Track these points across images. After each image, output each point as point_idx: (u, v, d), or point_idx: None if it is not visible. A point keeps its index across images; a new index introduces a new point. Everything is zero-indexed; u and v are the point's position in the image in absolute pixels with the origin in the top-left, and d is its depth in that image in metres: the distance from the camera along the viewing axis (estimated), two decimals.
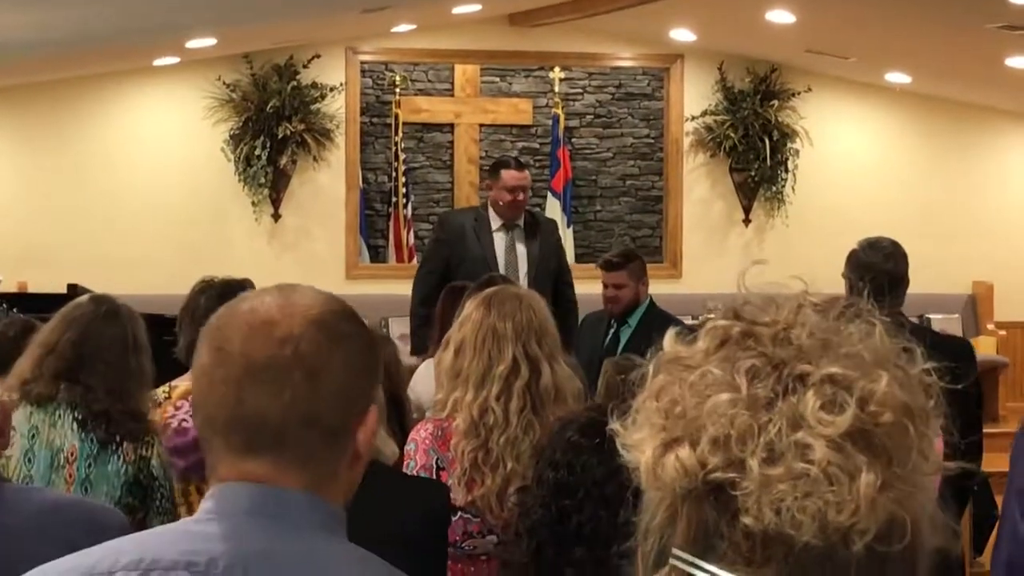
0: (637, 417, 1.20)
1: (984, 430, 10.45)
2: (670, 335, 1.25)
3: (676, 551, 1.15)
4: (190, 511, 4.55)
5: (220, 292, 4.88)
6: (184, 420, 4.62)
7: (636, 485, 1.22)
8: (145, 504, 4.15)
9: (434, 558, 3.43)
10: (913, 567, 1.17)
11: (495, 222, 8.41)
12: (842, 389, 1.15)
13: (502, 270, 8.15)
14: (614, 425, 1.22)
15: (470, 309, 4.08)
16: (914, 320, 11.96)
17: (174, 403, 4.65)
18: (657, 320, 7.31)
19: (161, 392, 4.66)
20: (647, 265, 7.82)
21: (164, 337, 5.03)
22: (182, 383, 4.70)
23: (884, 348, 1.21)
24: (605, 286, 7.47)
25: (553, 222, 9.07)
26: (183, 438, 4.57)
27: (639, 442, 1.19)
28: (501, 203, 8.38)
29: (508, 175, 8.39)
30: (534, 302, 4.12)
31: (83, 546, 3.06)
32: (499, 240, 8.40)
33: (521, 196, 8.34)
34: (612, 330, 7.48)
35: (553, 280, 8.17)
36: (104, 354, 4.16)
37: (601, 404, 3.80)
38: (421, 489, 3.69)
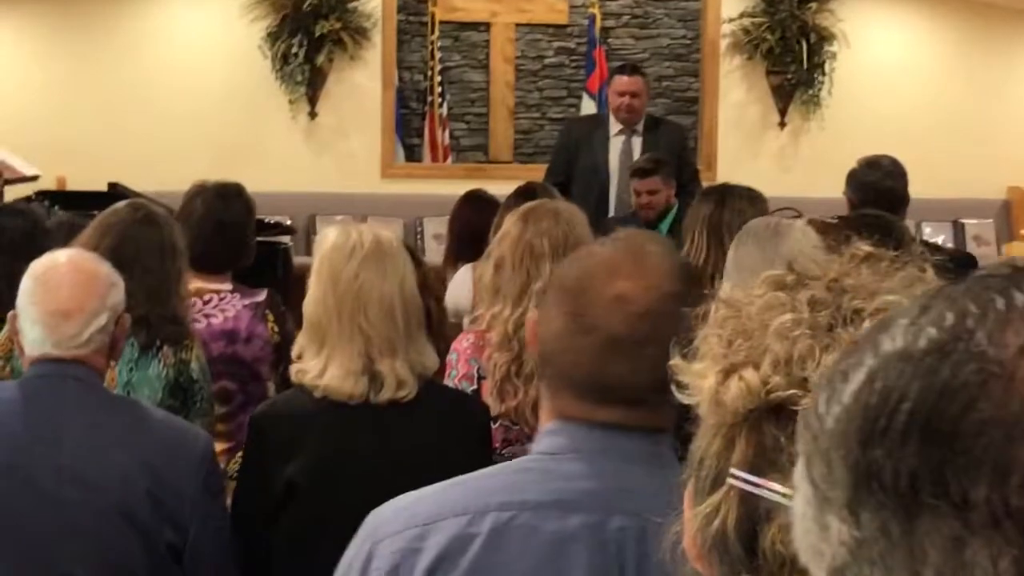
0: (700, 350, 1.27)
1: None
2: (726, 287, 1.32)
3: (734, 471, 1.22)
4: None
5: (215, 194, 4.94)
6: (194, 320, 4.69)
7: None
8: (186, 406, 4.23)
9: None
10: None
11: (614, 127, 8.58)
12: None
13: (614, 176, 8.39)
14: (675, 360, 1.29)
15: (508, 225, 4.10)
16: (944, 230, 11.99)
17: None
18: None
19: None
20: None
21: None
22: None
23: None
24: (638, 193, 7.52)
25: (678, 126, 9.22)
26: None
27: (701, 371, 1.26)
28: (614, 107, 8.62)
29: (618, 80, 8.70)
30: (573, 217, 4.15)
31: (159, 467, 3.16)
32: (615, 145, 8.58)
33: (628, 100, 8.52)
34: None
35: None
36: (143, 259, 4.20)
37: None
38: (467, 403, 3.78)
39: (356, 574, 1.93)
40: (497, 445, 3.92)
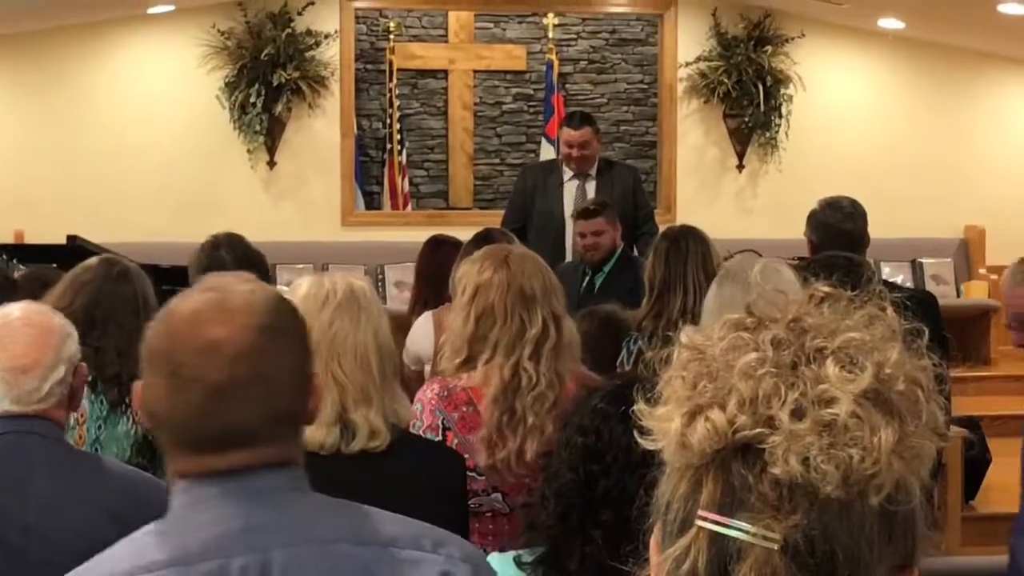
0: (664, 393, 1.27)
1: (975, 374, 10.58)
2: (687, 331, 1.32)
3: (702, 512, 1.22)
4: None
5: (234, 242, 4.91)
6: None
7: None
8: (154, 463, 4.20)
9: (456, 520, 3.49)
10: (913, 529, 1.26)
11: (567, 173, 8.63)
12: (859, 355, 1.24)
13: (569, 221, 8.53)
14: (639, 405, 1.29)
15: (487, 273, 3.99)
16: (905, 264, 12.07)
17: None
18: (628, 263, 7.42)
19: None
20: None
21: (163, 287, 5.06)
22: None
23: (894, 327, 1.30)
24: (583, 235, 7.56)
25: (631, 169, 9.19)
26: None
27: (666, 414, 1.26)
28: (563, 156, 8.68)
29: (566, 132, 8.70)
30: (540, 259, 4.15)
31: (125, 518, 3.16)
32: (569, 190, 8.60)
33: (577, 152, 8.53)
34: (587, 277, 7.56)
35: (627, 226, 8.11)
36: (116, 316, 4.19)
37: (623, 374, 3.81)
38: (438, 454, 3.73)
39: None
40: None
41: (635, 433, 1.31)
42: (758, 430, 1.20)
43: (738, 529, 1.19)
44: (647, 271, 5.69)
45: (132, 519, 3.19)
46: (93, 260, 4.44)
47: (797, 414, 1.20)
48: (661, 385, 1.29)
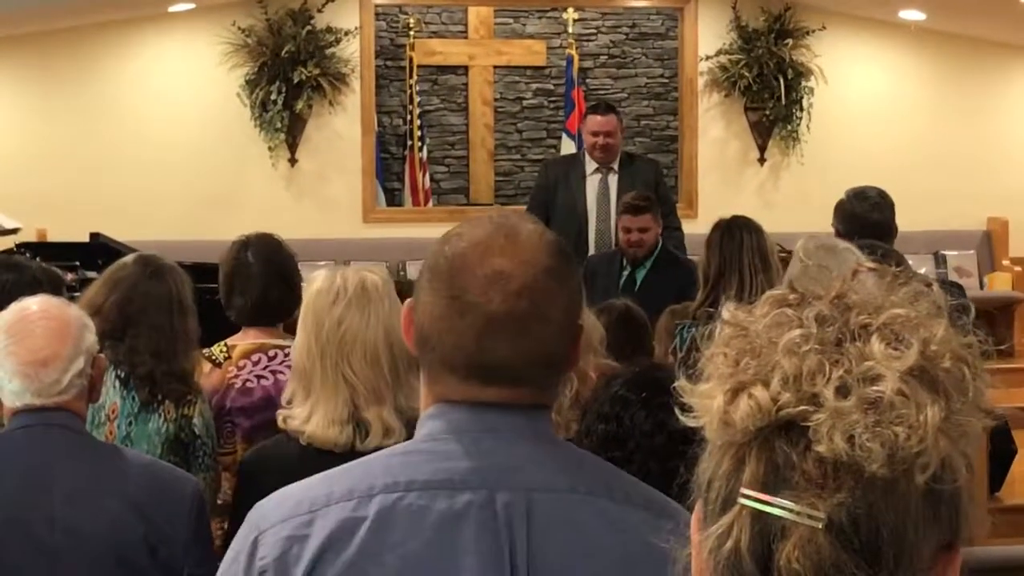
0: (706, 370, 1.26)
1: (1000, 365, 10.53)
2: (729, 306, 1.31)
3: (744, 490, 1.20)
4: None
5: (263, 245, 4.87)
6: (248, 380, 4.58)
7: (684, 435, 1.27)
8: (187, 461, 4.19)
9: None
10: (959, 508, 1.24)
11: (590, 166, 8.60)
12: (905, 332, 1.23)
13: (591, 214, 8.43)
14: (680, 382, 1.28)
15: None
16: (927, 256, 12.03)
17: (235, 363, 4.62)
18: (670, 260, 7.39)
19: (218, 352, 4.65)
20: None
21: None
22: (240, 342, 4.67)
23: (940, 303, 1.28)
24: (628, 230, 7.49)
25: (653, 162, 9.20)
26: (248, 398, 4.56)
27: (708, 391, 1.24)
28: (588, 146, 8.64)
29: (592, 120, 8.68)
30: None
31: (147, 507, 3.13)
32: (591, 184, 8.59)
33: (603, 140, 8.50)
34: (627, 271, 7.51)
35: None
36: (149, 315, 4.20)
37: (642, 361, 3.81)
38: None
39: (242, 566, 1.92)
40: None
41: (666, 414, 1.29)
42: (802, 407, 1.19)
43: (781, 507, 1.18)
44: (701, 262, 5.71)
45: (154, 508, 3.22)
46: (129, 258, 4.45)
47: (842, 391, 1.18)
48: (703, 362, 1.27)
